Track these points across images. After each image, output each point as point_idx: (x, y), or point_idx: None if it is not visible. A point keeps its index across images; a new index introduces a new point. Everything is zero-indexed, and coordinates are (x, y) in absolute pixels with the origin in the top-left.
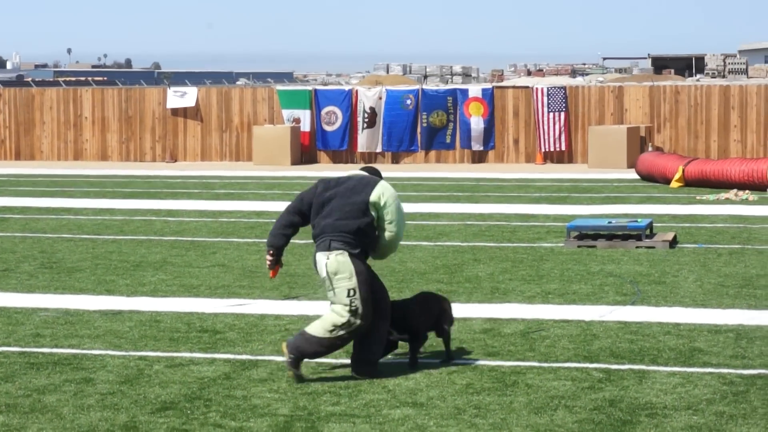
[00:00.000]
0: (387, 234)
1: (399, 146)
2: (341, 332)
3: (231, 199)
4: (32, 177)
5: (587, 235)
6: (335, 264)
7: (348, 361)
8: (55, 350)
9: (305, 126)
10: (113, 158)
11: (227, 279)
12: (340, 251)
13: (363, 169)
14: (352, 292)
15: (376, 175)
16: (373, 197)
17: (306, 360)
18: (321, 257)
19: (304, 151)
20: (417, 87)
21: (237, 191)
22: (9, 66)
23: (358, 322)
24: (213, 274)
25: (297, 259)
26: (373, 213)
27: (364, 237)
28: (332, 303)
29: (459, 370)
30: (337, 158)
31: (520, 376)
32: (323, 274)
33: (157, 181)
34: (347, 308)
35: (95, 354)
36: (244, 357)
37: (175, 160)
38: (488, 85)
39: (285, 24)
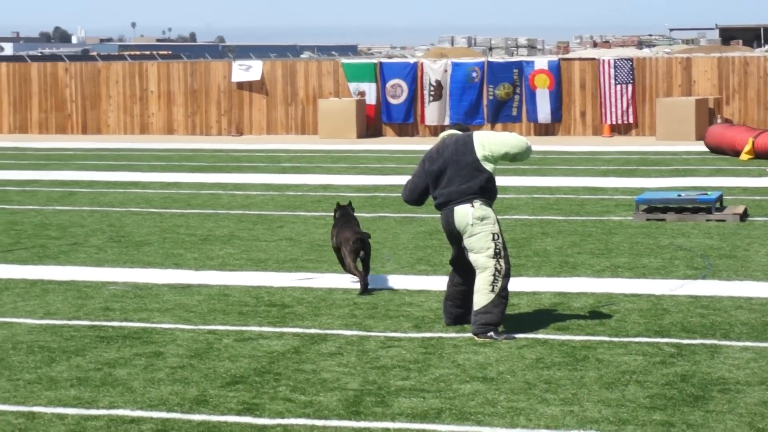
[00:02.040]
0: (518, 156)
1: (465, 119)
2: (499, 283)
3: (297, 172)
4: (99, 151)
5: (656, 208)
6: (482, 210)
7: (414, 334)
8: (124, 324)
9: (370, 99)
10: (179, 132)
11: (295, 253)
12: (482, 201)
13: (451, 127)
14: (496, 236)
15: (465, 130)
16: (479, 154)
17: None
18: (464, 207)
19: (370, 125)
20: (483, 59)
21: (303, 165)
22: (74, 40)
23: (503, 264)
24: (280, 248)
25: None
26: (488, 166)
27: (488, 192)
28: (470, 252)
29: (529, 344)
30: (402, 131)
31: (591, 350)
32: (468, 220)
33: (224, 155)
34: (491, 251)
35: (165, 328)
36: (312, 331)
37: (241, 134)
38: (554, 57)
39: None
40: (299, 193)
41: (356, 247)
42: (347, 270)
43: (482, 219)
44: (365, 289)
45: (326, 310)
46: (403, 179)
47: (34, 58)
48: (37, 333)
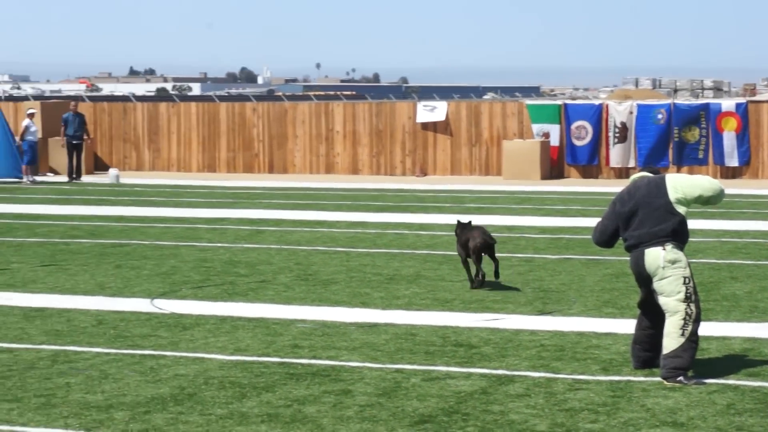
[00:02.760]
0: (711, 199)
1: (651, 161)
2: (689, 327)
3: (482, 213)
4: (285, 190)
5: None
6: (673, 253)
7: (602, 377)
8: (313, 361)
9: (554, 140)
10: (364, 172)
11: (481, 293)
12: (673, 244)
13: (642, 170)
14: (687, 280)
15: (656, 172)
16: (672, 196)
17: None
18: (655, 249)
19: (554, 166)
20: (669, 101)
21: (487, 205)
22: (260, 80)
23: (694, 309)
24: (466, 288)
25: (550, 275)
26: (681, 209)
27: (680, 235)
28: (660, 295)
29: (719, 389)
30: (586, 173)
31: None
32: (659, 263)
33: (408, 195)
34: (681, 295)
35: (353, 366)
36: (500, 372)
37: (425, 174)
38: (742, 100)
39: (529, 37)
40: None
41: (482, 246)
42: (465, 263)
43: (674, 262)
44: (475, 282)
45: (513, 351)
46: (588, 221)
47: (221, 98)
48: (228, 369)
